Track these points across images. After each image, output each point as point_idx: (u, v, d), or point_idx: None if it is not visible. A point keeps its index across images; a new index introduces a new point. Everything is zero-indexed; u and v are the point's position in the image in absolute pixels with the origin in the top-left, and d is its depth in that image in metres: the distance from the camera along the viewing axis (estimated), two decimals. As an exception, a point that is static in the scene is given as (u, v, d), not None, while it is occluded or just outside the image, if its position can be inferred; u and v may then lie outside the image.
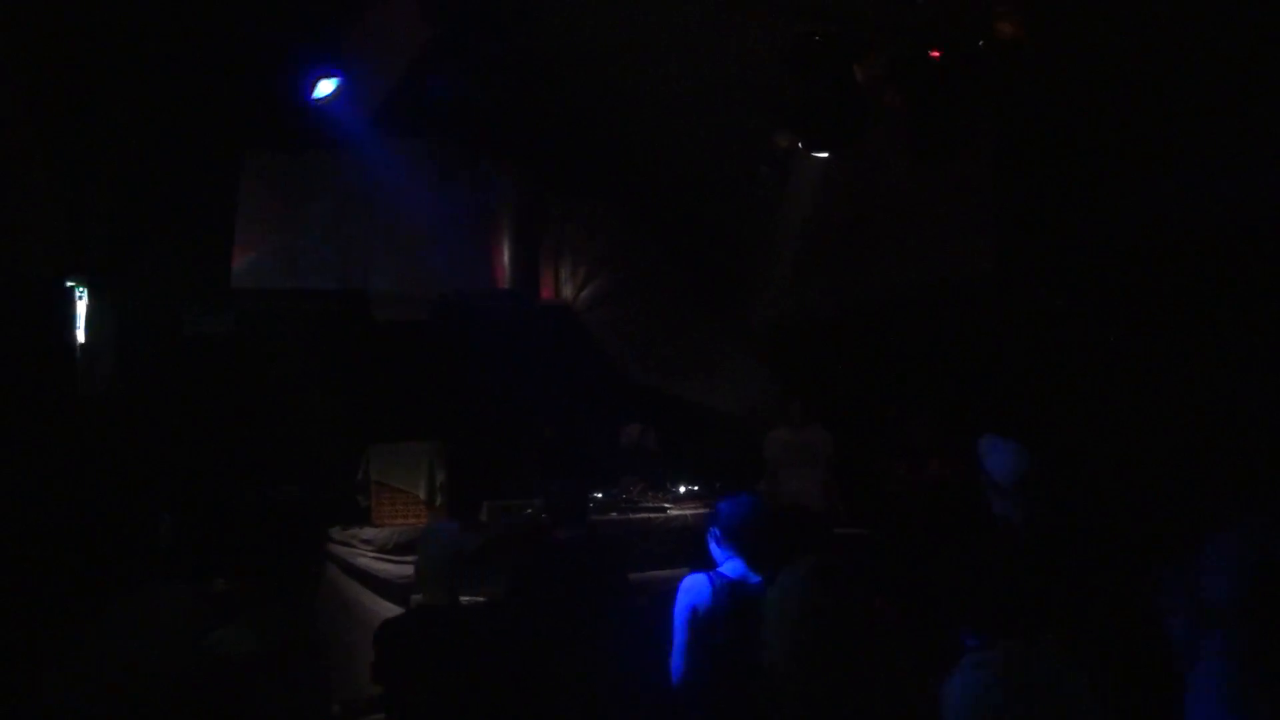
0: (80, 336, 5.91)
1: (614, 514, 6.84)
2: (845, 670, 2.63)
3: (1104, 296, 6.59)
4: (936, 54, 6.01)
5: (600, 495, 6.98)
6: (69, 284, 5.79)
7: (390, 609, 6.20)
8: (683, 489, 7.52)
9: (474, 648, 3.38)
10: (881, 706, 2.55)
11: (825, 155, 7.01)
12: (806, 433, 7.53)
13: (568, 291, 8.92)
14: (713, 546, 3.85)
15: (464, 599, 5.73)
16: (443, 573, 3.54)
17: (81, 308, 5.89)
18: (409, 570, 6.26)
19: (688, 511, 7.02)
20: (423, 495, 6.61)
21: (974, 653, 2.68)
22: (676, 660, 3.65)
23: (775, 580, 2.63)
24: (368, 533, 6.41)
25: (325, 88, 5.76)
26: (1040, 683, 2.49)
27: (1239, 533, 3.33)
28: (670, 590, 3.76)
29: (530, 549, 4.98)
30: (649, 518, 6.78)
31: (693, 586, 3.67)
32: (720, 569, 3.75)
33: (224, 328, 7.16)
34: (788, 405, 7.62)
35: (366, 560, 6.30)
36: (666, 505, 7.09)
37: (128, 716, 2.34)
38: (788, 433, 7.55)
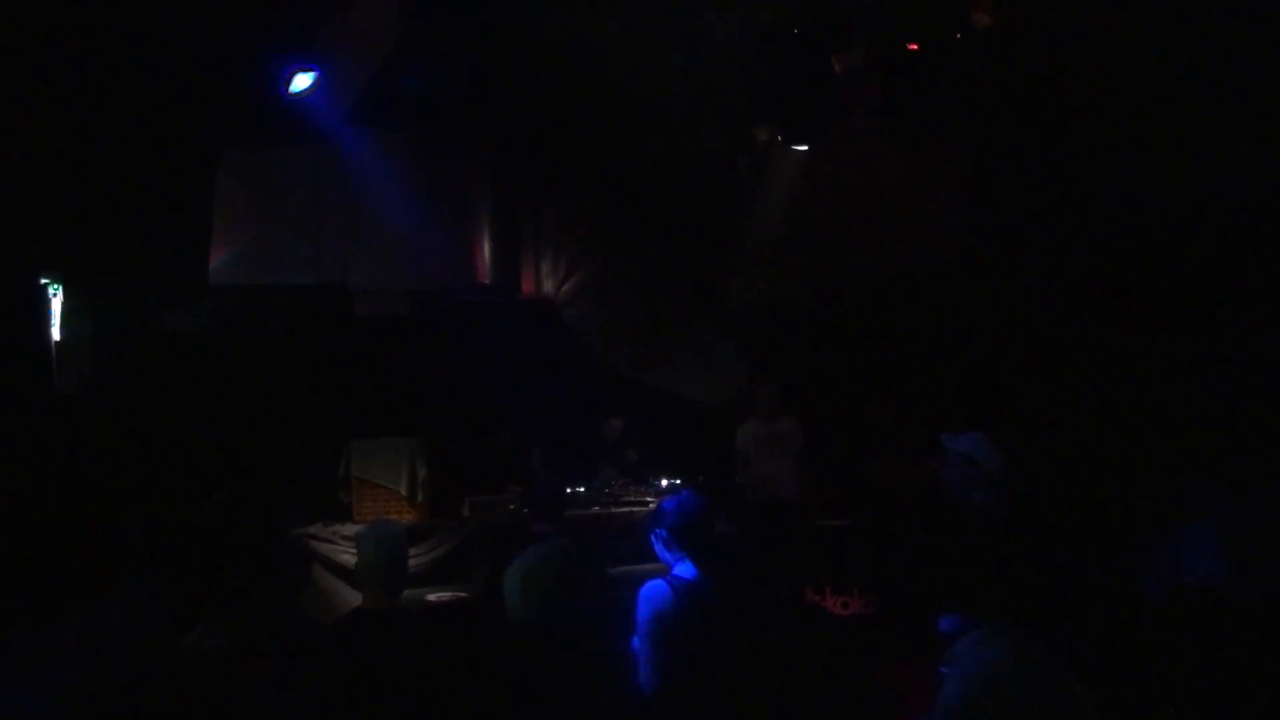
0: (55, 334, 5.84)
1: (596, 508, 6.84)
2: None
3: (1079, 283, 6.64)
4: (914, 45, 6.02)
5: (582, 489, 6.98)
6: (43, 281, 5.72)
7: (372, 605, 6.18)
8: (664, 482, 7.52)
9: (434, 649, 3.34)
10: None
11: (804, 148, 7.01)
12: (777, 424, 7.54)
13: (549, 286, 8.90)
14: (660, 549, 3.67)
15: (434, 596, 5.77)
16: (381, 576, 3.46)
17: (56, 305, 5.82)
18: (391, 566, 6.26)
19: (670, 505, 7.02)
20: (404, 491, 6.59)
21: (967, 637, 2.64)
22: (645, 672, 3.48)
23: None
24: (349, 529, 6.39)
25: (302, 82, 5.72)
26: (1041, 669, 2.47)
27: (1216, 519, 3.37)
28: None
29: (510, 544, 4.97)
30: (631, 511, 6.78)
31: (654, 595, 3.51)
32: (675, 572, 3.59)
33: (201, 324, 7.10)
34: (757, 395, 7.62)
35: (348, 556, 6.28)
36: (649, 499, 7.09)
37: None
38: (757, 424, 7.54)
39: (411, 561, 6.12)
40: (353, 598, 6.20)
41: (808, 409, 7.78)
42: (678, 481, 7.62)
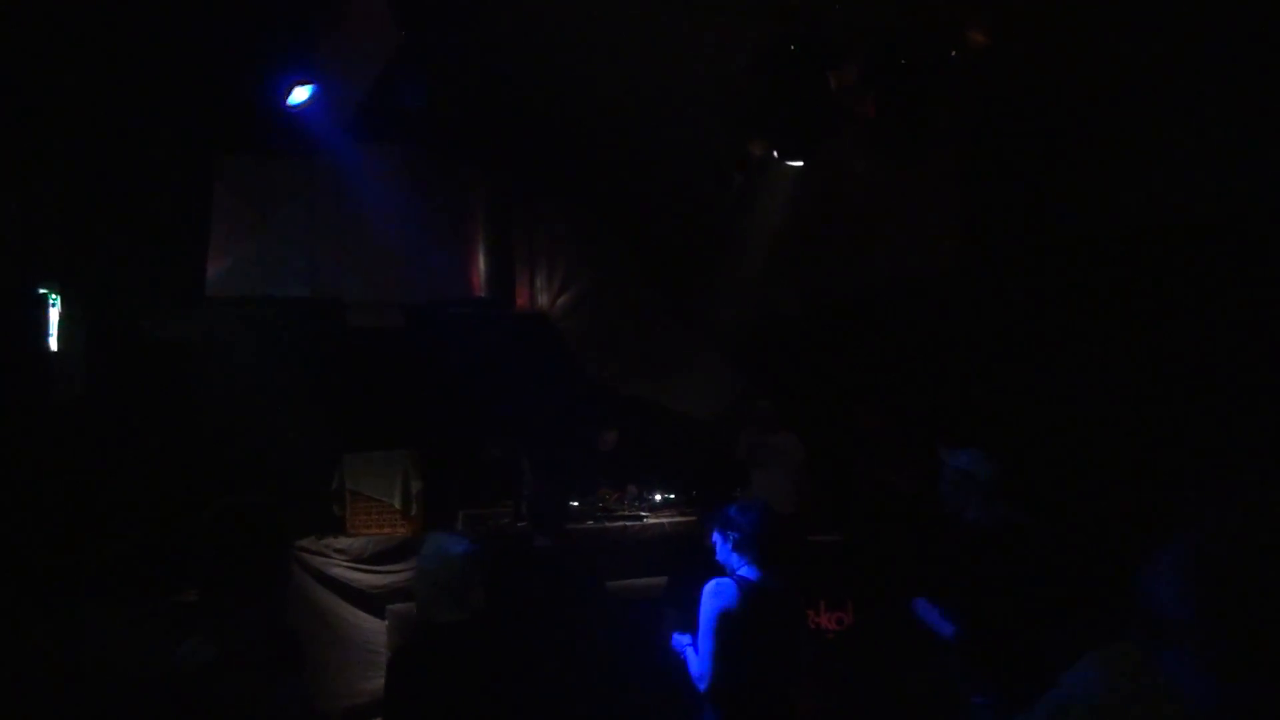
0: (53, 344, 5.82)
1: (590, 522, 6.82)
2: None
3: (1069, 294, 6.67)
4: (909, 62, 6.05)
5: (576, 504, 6.96)
6: (41, 291, 5.70)
7: (365, 619, 6.16)
8: (659, 497, 7.51)
9: (475, 663, 3.31)
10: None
11: (799, 164, 7.03)
12: (777, 436, 7.54)
13: (543, 299, 8.90)
14: (726, 552, 3.87)
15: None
16: (457, 587, 3.35)
17: (54, 315, 5.80)
18: (384, 579, 6.23)
19: (664, 520, 7.02)
20: (397, 504, 6.57)
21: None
22: (705, 665, 3.67)
23: None
24: (342, 542, 6.37)
25: (300, 94, 5.72)
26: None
27: (1182, 545, 3.38)
28: (649, 599, 3.76)
29: (507, 558, 4.96)
30: (625, 526, 6.77)
31: (720, 591, 3.70)
32: (740, 573, 3.78)
33: (193, 335, 7.08)
34: (755, 405, 7.64)
35: (341, 570, 6.26)
36: (643, 514, 7.08)
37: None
38: (756, 433, 7.56)
39: (403, 575, 6.13)
40: (345, 611, 6.19)
41: (798, 421, 7.80)
42: (671, 496, 7.61)
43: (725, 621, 3.64)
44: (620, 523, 6.86)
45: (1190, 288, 5.85)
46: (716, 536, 3.91)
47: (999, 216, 7.03)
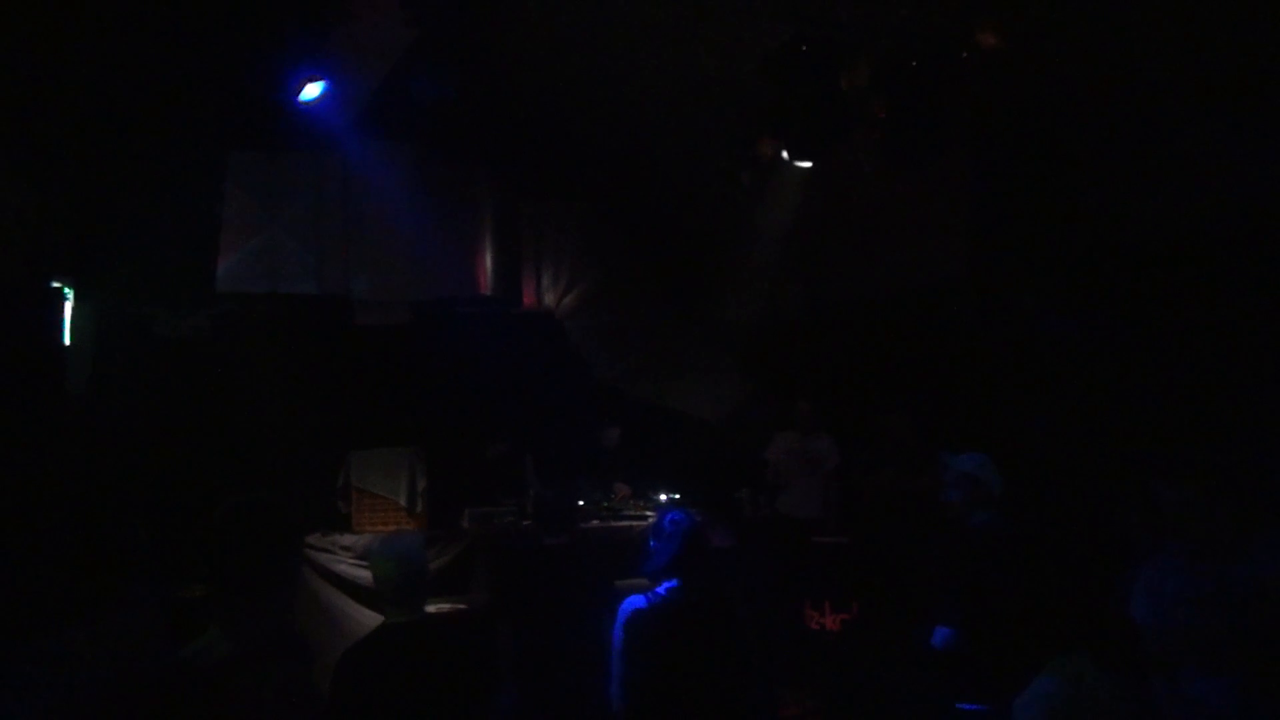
0: (65, 339, 5.82)
1: (595, 521, 6.81)
2: None
3: (1077, 299, 6.65)
4: (920, 64, 6.05)
5: (582, 503, 6.96)
6: (55, 285, 5.70)
7: (370, 615, 6.15)
8: (664, 496, 7.50)
9: (452, 660, 3.31)
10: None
11: (809, 164, 7.03)
12: (813, 440, 7.52)
13: (550, 298, 8.90)
14: (652, 561, 3.70)
15: (434, 608, 5.73)
16: (404, 589, 3.40)
17: (67, 310, 5.80)
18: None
19: (670, 519, 6.99)
20: (403, 501, 6.57)
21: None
22: (613, 687, 3.51)
23: None
24: (347, 539, 6.37)
25: (312, 91, 5.72)
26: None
27: (1158, 562, 3.41)
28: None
29: (514, 555, 4.95)
30: (631, 525, 6.76)
31: (626, 609, 3.54)
32: (659, 587, 3.62)
33: (199, 331, 7.08)
34: (795, 408, 7.60)
35: (346, 566, 6.26)
36: (649, 513, 7.07)
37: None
38: (795, 437, 7.53)
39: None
40: (351, 608, 6.18)
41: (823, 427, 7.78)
42: (677, 496, 7.60)
43: (631, 642, 3.48)
44: (626, 522, 6.85)
45: (1204, 294, 5.84)
46: (650, 546, 3.76)
47: (1009, 220, 7.02)
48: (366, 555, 6.24)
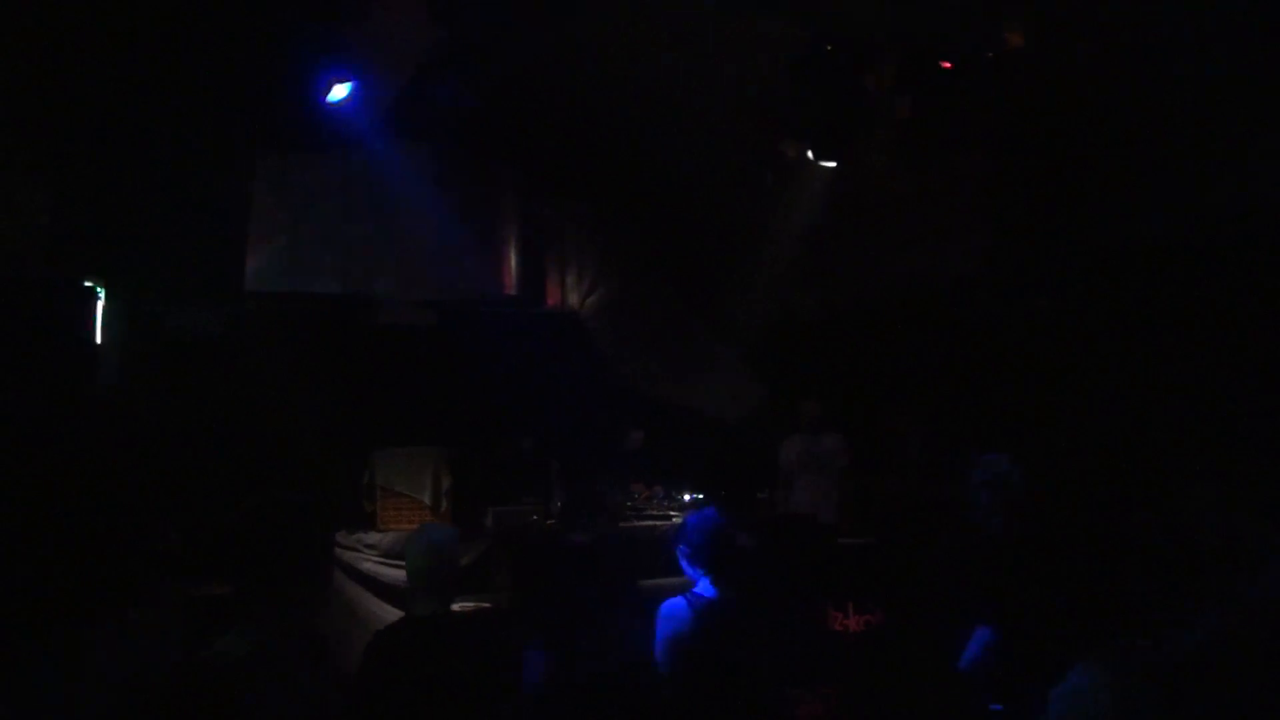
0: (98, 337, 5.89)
1: (619, 521, 6.82)
2: None
3: (1095, 299, 6.61)
4: (948, 65, 6.02)
5: (605, 503, 6.96)
6: (88, 284, 5.76)
7: (394, 613, 6.18)
8: (687, 497, 7.50)
9: (476, 657, 3.32)
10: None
11: (833, 164, 7.00)
12: (823, 440, 7.48)
13: (573, 298, 8.92)
14: (684, 565, 3.69)
15: (457, 606, 5.75)
16: (433, 580, 3.41)
17: (99, 308, 5.86)
18: (414, 576, 6.25)
19: (692, 520, 7.00)
20: (428, 500, 6.60)
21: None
22: (665, 689, 3.48)
23: None
24: (372, 538, 6.40)
25: (339, 91, 5.75)
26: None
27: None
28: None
29: (539, 554, 4.97)
30: (654, 525, 6.76)
31: (672, 614, 3.51)
32: (697, 589, 3.60)
33: (226, 330, 7.14)
34: (802, 409, 7.55)
35: (371, 565, 6.29)
36: (672, 513, 7.07)
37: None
38: (804, 440, 7.48)
39: (434, 570, 6.16)
40: (375, 606, 6.22)
41: (832, 426, 7.75)
42: (700, 496, 7.59)
43: (676, 645, 3.44)
44: (649, 522, 6.86)
45: (1225, 294, 5.79)
46: (676, 549, 3.73)
47: (1029, 221, 6.98)
48: (391, 553, 6.29)
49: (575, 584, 3.67)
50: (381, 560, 6.27)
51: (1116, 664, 2.54)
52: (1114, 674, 2.51)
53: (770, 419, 8.63)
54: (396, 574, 6.27)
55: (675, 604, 3.53)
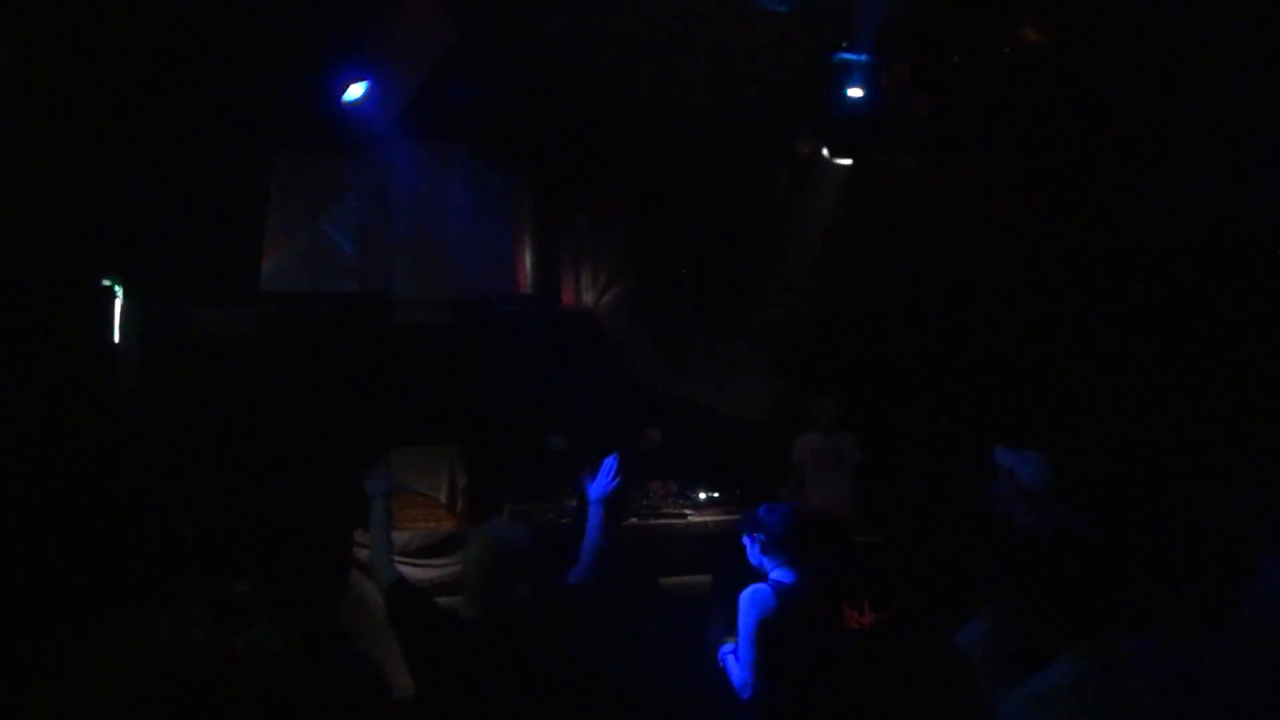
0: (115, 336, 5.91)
1: (634, 519, 6.82)
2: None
3: (1108, 298, 6.57)
4: (962, 61, 5.99)
5: (623, 501, 6.97)
6: (106, 283, 5.79)
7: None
8: (703, 495, 7.49)
9: (512, 652, 3.31)
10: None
11: (849, 162, 6.98)
12: (837, 438, 7.47)
13: (589, 297, 8.91)
14: (756, 554, 3.83)
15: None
16: (488, 579, 3.34)
17: (117, 307, 5.88)
18: (430, 573, 6.27)
19: (708, 518, 7.00)
20: (443, 499, 6.61)
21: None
22: (746, 673, 3.62)
23: None
24: (388, 536, 6.41)
25: (355, 91, 5.77)
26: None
27: None
28: (690, 597, 3.72)
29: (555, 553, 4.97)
30: (670, 523, 6.76)
31: (758, 598, 3.64)
32: (773, 577, 3.74)
33: (243, 330, 7.17)
34: (817, 407, 7.55)
35: (386, 564, 6.30)
36: (687, 511, 7.07)
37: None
38: (818, 437, 7.47)
39: (448, 570, 6.16)
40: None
41: (846, 421, 7.74)
42: (715, 494, 7.59)
43: (765, 629, 3.59)
44: (664, 520, 6.86)
45: (1243, 292, 5.75)
46: (746, 539, 3.87)
47: (1049, 217, 6.94)
48: (406, 551, 6.31)
49: (590, 581, 3.69)
50: (396, 559, 6.27)
51: (1101, 660, 2.55)
52: (1098, 670, 2.52)
53: (787, 418, 8.62)
54: (412, 572, 6.28)
55: (760, 590, 3.68)
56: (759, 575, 3.83)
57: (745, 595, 3.66)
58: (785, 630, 3.57)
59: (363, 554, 6.31)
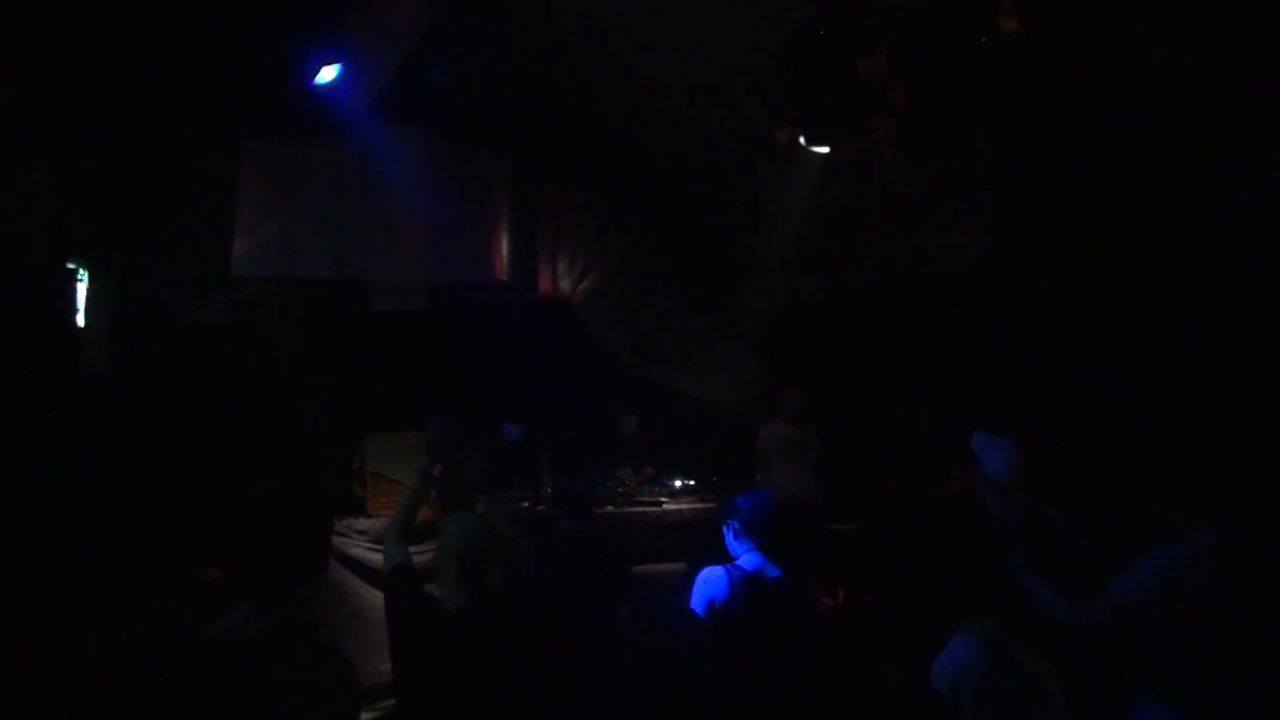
0: (80, 319, 5.83)
1: (610, 507, 6.82)
2: None
3: (1100, 288, 6.60)
4: (939, 49, 5.99)
5: (597, 489, 6.97)
6: (70, 265, 5.71)
7: (382, 599, 6.17)
8: (678, 483, 7.50)
9: (484, 644, 3.30)
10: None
11: (825, 150, 6.98)
12: (801, 427, 7.51)
13: (566, 284, 8.88)
14: (730, 539, 3.87)
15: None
16: (477, 567, 3.39)
17: (81, 290, 5.81)
18: (404, 560, 6.23)
19: (684, 506, 7.01)
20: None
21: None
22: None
23: None
24: (362, 523, 6.38)
25: (328, 74, 5.70)
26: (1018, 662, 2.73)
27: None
28: (667, 585, 3.75)
29: (533, 541, 4.97)
30: (645, 511, 6.76)
31: (710, 579, 3.68)
32: (738, 562, 3.77)
33: (218, 315, 7.10)
34: (785, 397, 7.59)
35: (360, 550, 6.27)
36: (663, 499, 7.07)
37: (126, 711, 2.30)
38: (785, 427, 7.52)
39: (423, 557, 6.12)
40: (364, 592, 6.20)
41: (823, 413, 7.77)
42: (691, 482, 7.60)
43: (711, 612, 3.62)
44: (639, 508, 6.86)
45: (1227, 282, 5.79)
46: (724, 526, 3.93)
47: (1031, 208, 6.97)
48: (381, 539, 6.27)
49: (563, 570, 3.71)
50: (371, 546, 6.25)
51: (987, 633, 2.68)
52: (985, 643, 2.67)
53: (764, 406, 8.64)
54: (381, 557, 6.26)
55: (714, 571, 3.72)
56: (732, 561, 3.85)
57: (699, 575, 3.72)
58: (735, 615, 3.59)
59: (337, 541, 6.31)
